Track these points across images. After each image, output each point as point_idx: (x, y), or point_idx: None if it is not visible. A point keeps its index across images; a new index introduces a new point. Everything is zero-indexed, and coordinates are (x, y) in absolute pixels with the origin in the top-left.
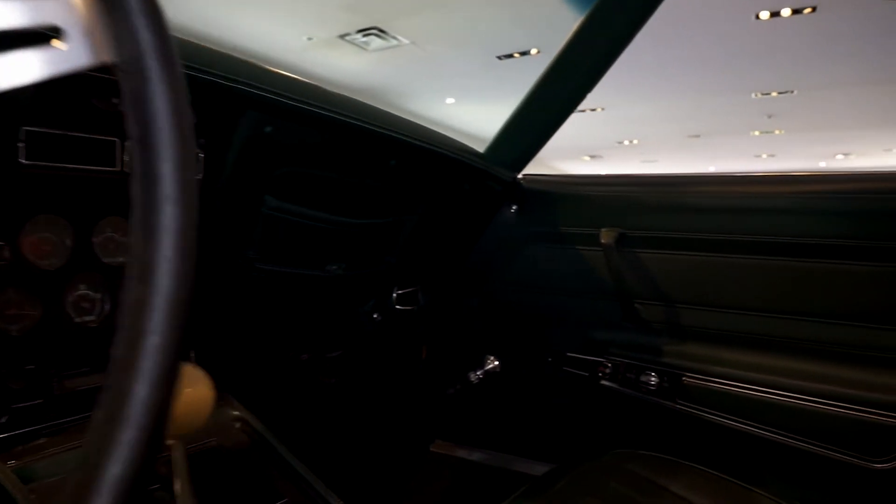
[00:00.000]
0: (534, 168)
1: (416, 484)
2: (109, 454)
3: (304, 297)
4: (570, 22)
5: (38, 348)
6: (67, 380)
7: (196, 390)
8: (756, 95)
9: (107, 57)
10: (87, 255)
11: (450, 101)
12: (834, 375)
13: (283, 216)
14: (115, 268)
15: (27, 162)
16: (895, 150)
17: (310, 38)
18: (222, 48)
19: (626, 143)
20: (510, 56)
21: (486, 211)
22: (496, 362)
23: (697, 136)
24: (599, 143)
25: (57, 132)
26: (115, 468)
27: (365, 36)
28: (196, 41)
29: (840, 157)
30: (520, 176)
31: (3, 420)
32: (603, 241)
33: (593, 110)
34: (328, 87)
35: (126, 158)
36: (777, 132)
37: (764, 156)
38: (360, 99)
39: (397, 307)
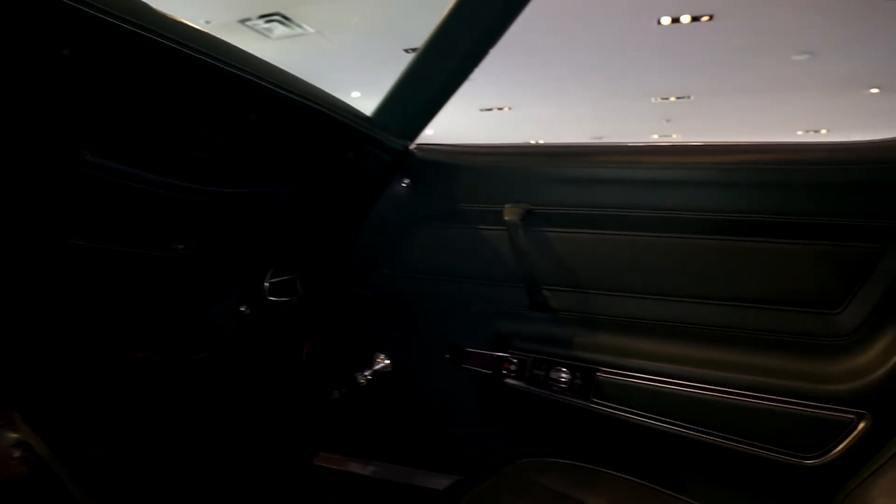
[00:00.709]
0: None
1: None
2: None
3: (141, 283)
4: None
5: None
6: None
7: None
8: (656, 100)
9: None
10: None
11: (355, 94)
12: (760, 365)
13: (108, 178)
14: None
15: None
16: None
17: (208, 22)
18: None
19: (532, 142)
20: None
21: (374, 185)
22: (387, 361)
23: (600, 137)
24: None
25: None
26: None
27: (268, 22)
28: None
29: None
30: (413, 145)
31: None
32: (507, 218)
33: (500, 109)
34: None
35: None
36: (674, 136)
37: None
38: None
39: (270, 298)
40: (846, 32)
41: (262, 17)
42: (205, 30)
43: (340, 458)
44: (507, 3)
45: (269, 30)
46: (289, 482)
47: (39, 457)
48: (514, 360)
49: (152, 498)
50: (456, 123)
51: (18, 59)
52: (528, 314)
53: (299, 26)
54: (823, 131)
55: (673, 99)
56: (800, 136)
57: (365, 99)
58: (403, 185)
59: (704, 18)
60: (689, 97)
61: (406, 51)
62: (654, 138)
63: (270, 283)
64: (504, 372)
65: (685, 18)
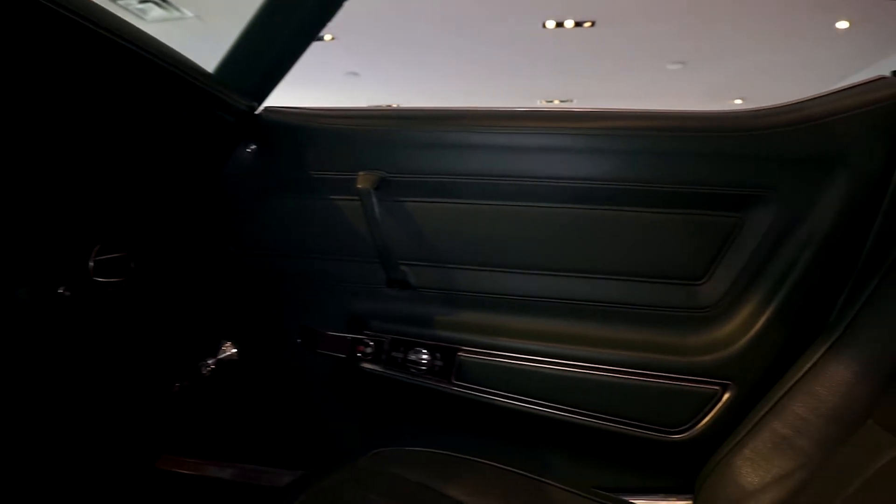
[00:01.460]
0: None
1: None
2: None
3: None
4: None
5: None
6: None
7: None
8: (541, 102)
9: None
10: None
11: None
12: (627, 339)
13: None
14: None
15: None
16: None
17: None
18: None
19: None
20: None
21: (216, 150)
22: (233, 349)
23: None
24: None
25: None
26: None
27: (142, 3)
28: None
29: None
30: (260, 108)
31: None
32: (359, 186)
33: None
34: None
35: None
36: None
37: None
38: None
39: (97, 279)
40: (714, 45)
41: None
42: None
43: (184, 459)
44: None
45: (143, 11)
46: (127, 489)
47: None
48: (371, 342)
49: None
50: None
51: None
52: (386, 292)
53: (177, 9)
54: None
55: (557, 102)
56: None
57: None
58: (249, 150)
59: (587, 24)
60: (571, 101)
61: None
62: None
63: (96, 262)
64: (360, 355)
65: (569, 23)
